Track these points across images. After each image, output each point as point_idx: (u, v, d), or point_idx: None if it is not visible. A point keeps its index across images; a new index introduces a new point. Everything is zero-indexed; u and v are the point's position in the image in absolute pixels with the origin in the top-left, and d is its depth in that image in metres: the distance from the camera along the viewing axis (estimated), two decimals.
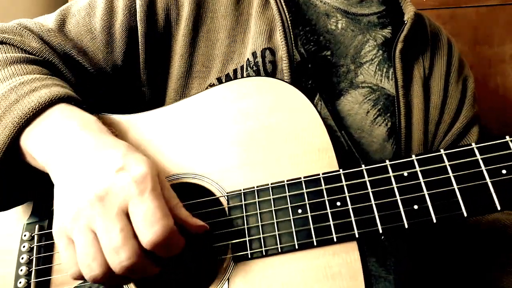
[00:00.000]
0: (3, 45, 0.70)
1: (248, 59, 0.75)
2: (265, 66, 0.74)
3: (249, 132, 0.63)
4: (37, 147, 0.58)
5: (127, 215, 0.50)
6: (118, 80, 0.79)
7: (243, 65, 0.75)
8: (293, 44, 0.74)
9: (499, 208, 0.52)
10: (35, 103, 0.59)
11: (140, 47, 0.77)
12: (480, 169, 0.54)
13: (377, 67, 0.82)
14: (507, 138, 0.54)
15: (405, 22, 0.82)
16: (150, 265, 0.52)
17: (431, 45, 0.89)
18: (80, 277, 0.52)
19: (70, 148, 0.55)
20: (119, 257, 0.48)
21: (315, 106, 0.63)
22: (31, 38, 0.73)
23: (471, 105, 0.89)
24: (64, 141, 0.56)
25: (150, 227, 0.48)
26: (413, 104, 0.81)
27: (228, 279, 0.57)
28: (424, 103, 0.82)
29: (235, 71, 0.76)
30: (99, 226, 0.49)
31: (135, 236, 0.49)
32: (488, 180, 0.53)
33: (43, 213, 0.69)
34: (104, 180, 0.51)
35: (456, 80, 0.89)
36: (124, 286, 0.62)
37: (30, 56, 0.70)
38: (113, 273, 0.50)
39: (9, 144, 0.58)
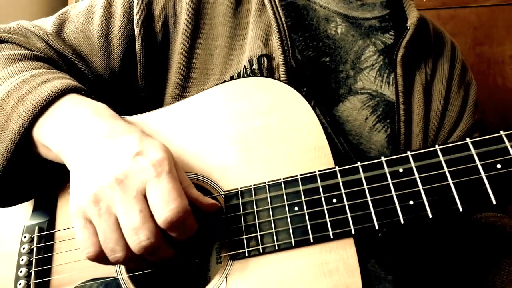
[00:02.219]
0: (9, 43, 0.71)
1: (244, 66, 0.75)
2: (262, 74, 0.74)
3: (245, 131, 0.64)
4: (51, 135, 0.59)
5: (145, 197, 0.51)
6: (115, 86, 0.79)
7: (240, 72, 0.75)
8: (290, 50, 0.74)
9: (494, 202, 0.52)
10: (48, 93, 0.60)
11: (137, 54, 0.77)
12: (475, 163, 0.54)
13: (378, 73, 0.81)
14: (502, 132, 0.54)
15: (408, 27, 0.81)
16: (167, 247, 0.53)
17: (434, 50, 0.88)
18: (94, 258, 0.53)
19: (85, 134, 0.56)
20: (138, 237, 0.50)
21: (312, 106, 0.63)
22: (35, 39, 0.74)
23: (472, 112, 0.88)
24: (78, 128, 0.57)
25: (166, 206, 0.50)
26: (414, 111, 0.80)
27: (226, 277, 0.58)
28: (424, 109, 0.81)
29: (232, 78, 0.75)
30: (119, 209, 0.51)
31: (153, 218, 0.51)
32: (483, 174, 0.53)
33: (43, 214, 0.70)
34: (122, 164, 0.52)
35: (458, 86, 0.88)
36: (122, 284, 0.62)
37: (36, 53, 0.71)
38: (134, 255, 0.52)
39: (22, 133, 0.59)
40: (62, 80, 0.62)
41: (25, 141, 0.60)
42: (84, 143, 0.56)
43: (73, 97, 0.62)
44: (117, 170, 0.52)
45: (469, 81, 0.91)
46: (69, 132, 0.57)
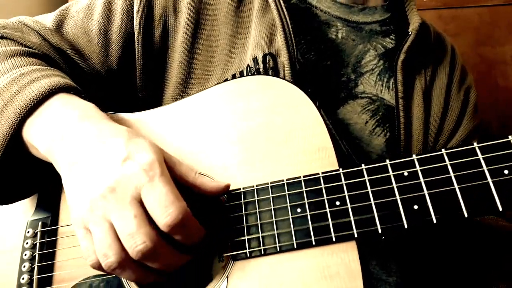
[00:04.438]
0: (4, 39, 0.71)
1: (248, 64, 0.74)
2: (267, 73, 0.73)
3: (249, 130, 0.63)
4: (38, 136, 0.59)
5: (140, 203, 0.51)
6: (113, 84, 0.79)
7: (242, 70, 0.75)
8: (295, 49, 0.73)
9: (500, 208, 0.51)
10: (35, 93, 0.59)
11: (136, 52, 0.77)
12: (482, 169, 0.53)
13: (378, 77, 0.81)
14: (510, 137, 0.53)
15: (410, 33, 0.81)
16: (169, 251, 0.53)
17: (434, 55, 0.88)
18: (98, 265, 0.53)
19: (72, 137, 0.56)
20: (135, 242, 0.50)
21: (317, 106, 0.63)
22: (31, 34, 0.74)
23: (471, 117, 0.87)
24: (65, 130, 0.57)
25: (164, 210, 0.50)
26: (413, 115, 0.80)
27: (227, 277, 0.58)
28: (424, 114, 0.81)
29: (234, 76, 0.75)
30: (114, 215, 0.51)
31: (150, 223, 0.51)
32: (489, 180, 0.52)
33: (46, 210, 0.70)
34: (112, 172, 0.52)
35: (458, 91, 0.88)
36: (123, 282, 0.62)
37: (30, 49, 0.71)
38: (130, 262, 0.51)
39: (11, 134, 0.59)
40: (51, 79, 0.62)
41: (16, 141, 0.60)
42: (71, 147, 0.56)
43: (61, 97, 0.61)
44: (108, 179, 0.52)
45: (468, 85, 0.91)
46: (55, 134, 0.57)
